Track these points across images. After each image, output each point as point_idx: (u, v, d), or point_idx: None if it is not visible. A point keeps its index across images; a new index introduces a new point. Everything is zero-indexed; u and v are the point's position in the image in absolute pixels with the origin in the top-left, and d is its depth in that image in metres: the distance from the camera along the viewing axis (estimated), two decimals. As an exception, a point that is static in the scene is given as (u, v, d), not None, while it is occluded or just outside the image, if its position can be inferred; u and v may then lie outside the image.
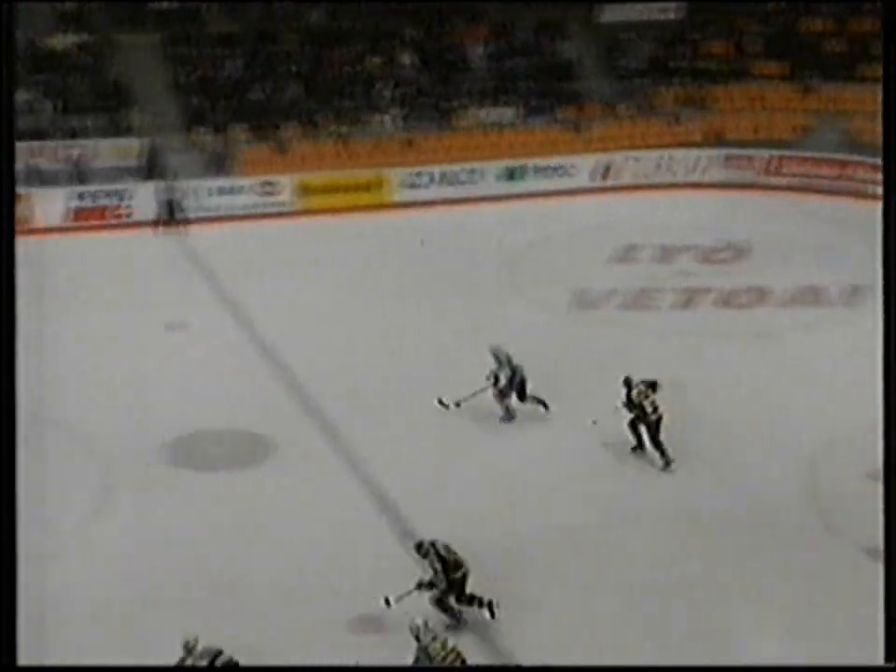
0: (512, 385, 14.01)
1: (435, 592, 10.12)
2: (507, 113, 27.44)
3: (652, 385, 12.97)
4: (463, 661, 8.97)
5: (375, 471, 13.05)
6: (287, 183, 24.43)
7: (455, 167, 25.64)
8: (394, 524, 12.03)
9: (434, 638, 8.99)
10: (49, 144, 23.61)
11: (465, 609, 10.26)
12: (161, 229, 22.50)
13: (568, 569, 11.21)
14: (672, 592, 10.77)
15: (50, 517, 11.98)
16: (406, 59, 28.08)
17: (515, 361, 13.99)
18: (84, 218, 22.71)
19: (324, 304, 18.58)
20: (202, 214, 23.27)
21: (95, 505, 12.47)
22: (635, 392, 12.93)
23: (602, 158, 26.34)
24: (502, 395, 14.08)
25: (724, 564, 11.27)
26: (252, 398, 14.95)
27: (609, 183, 26.26)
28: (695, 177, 26.22)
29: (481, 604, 10.25)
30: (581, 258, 21.14)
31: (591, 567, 11.25)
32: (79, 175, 23.33)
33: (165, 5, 27.42)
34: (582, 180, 26.16)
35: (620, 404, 12.99)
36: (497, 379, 14.02)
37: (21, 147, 23.20)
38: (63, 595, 10.57)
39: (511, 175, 25.91)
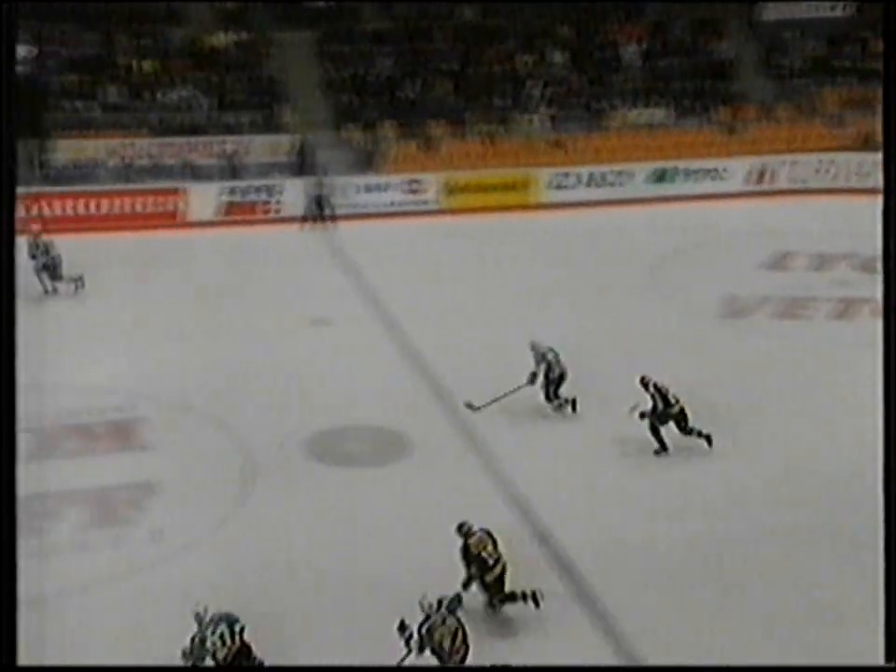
0: (550, 380, 14.14)
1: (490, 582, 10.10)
2: (659, 113, 26.89)
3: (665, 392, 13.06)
4: (466, 642, 9.01)
5: (512, 474, 12.89)
6: (433, 181, 24.45)
7: (604, 168, 25.23)
8: (529, 528, 11.86)
9: (444, 621, 8.98)
10: (205, 140, 24.14)
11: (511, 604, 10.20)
12: (308, 224, 22.79)
13: (706, 580, 10.82)
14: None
15: (196, 505, 12.25)
16: (557, 58, 27.78)
17: (551, 356, 14.12)
18: (235, 213, 23.18)
19: (467, 304, 18.48)
20: (349, 210, 23.49)
21: (236, 495, 12.65)
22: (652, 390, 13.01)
23: (757, 161, 25.55)
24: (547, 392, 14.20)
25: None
26: (391, 395, 14.95)
27: (764, 187, 25.44)
28: (856, 182, 25.17)
29: (525, 599, 10.17)
30: (732, 264, 20.52)
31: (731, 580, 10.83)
32: (232, 170, 23.83)
33: (322, 3, 27.80)
34: (735, 184, 25.42)
35: (635, 409, 13.05)
36: (534, 377, 14.12)
37: (178, 141, 23.90)
38: (195, 584, 10.71)
39: (660, 177, 25.37)
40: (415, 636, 8.98)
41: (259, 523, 12.06)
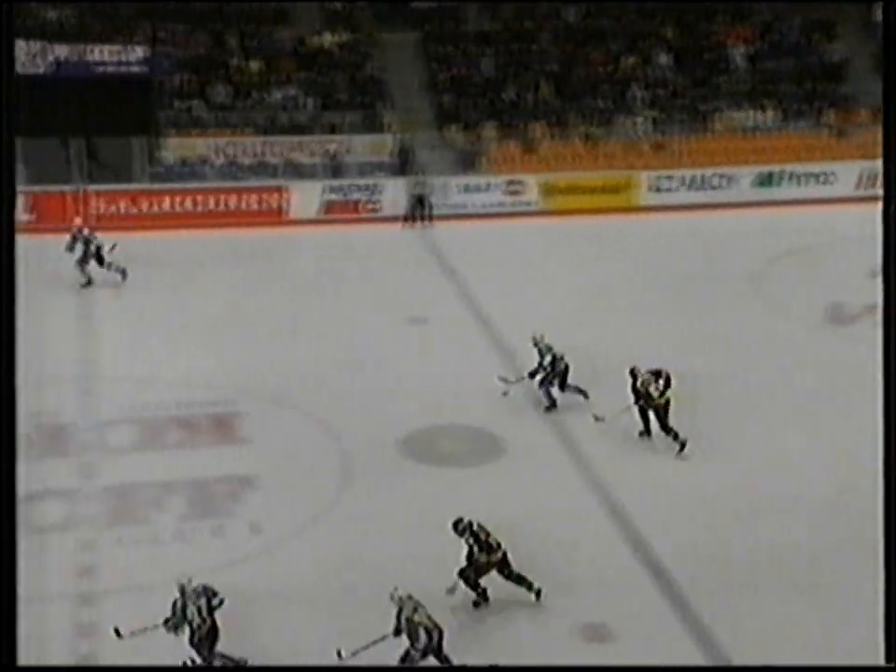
0: (554, 373, 14.48)
1: (467, 569, 10.41)
2: (766, 116, 26.38)
3: (657, 374, 13.41)
4: (440, 632, 9.29)
5: (606, 478, 12.81)
6: (533, 182, 24.37)
7: (707, 171, 24.86)
8: (622, 531, 11.77)
9: (415, 609, 9.32)
10: (308, 139, 24.46)
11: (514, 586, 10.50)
12: (408, 224, 22.92)
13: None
14: None
15: (293, 499, 12.44)
16: (663, 59, 27.47)
17: (556, 350, 14.45)
18: (337, 211, 23.43)
19: (564, 306, 18.38)
20: (449, 211, 23.55)
21: (332, 491, 12.79)
22: (640, 381, 13.42)
23: (868, 165, 24.87)
24: (542, 383, 14.56)
25: None
26: (487, 396, 14.95)
27: (875, 192, 24.78)
28: (972, 189, 24.33)
29: (529, 587, 10.52)
30: (840, 270, 20.02)
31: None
32: (335, 169, 24.09)
33: (426, 4, 27.93)
34: (844, 188, 24.81)
35: (632, 402, 13.53)
36: (538, 369, 14.47)
37: (282, 140, 24.26)
38: (291, 577, 10.86)
39: (766, 180, 24.89)
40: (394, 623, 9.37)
41: (354, 518, 12.19)
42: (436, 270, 20.49)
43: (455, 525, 10.55)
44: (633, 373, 13.61)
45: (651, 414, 13.56)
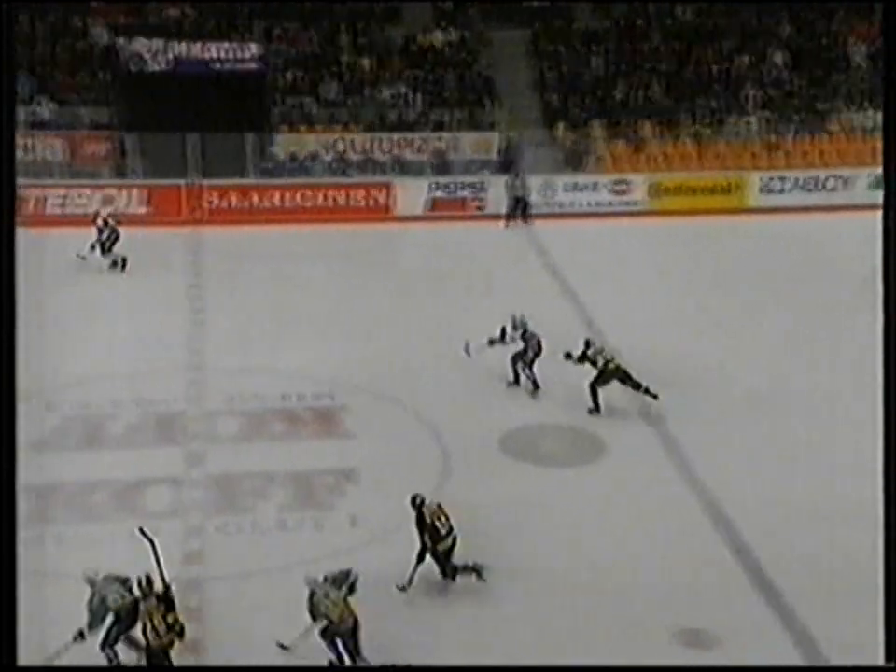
0: (527, 353, 14.98)
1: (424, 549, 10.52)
2: (885, 117, 25.64)
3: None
4: (354, 617, 9.44)
5: (709, 480, 12.65)
6: (641, 182, 24.14)
7: (821, 173, 24.29)
8: (724, 534, 11.63)
9: (326, 595, 9.46)
10: (415, 136, 24.62)
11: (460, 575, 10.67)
12: (511, 221, 22.91)
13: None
14: None
15: (393, 494, 12.55)
16: (778, 58, 26.91)
17: (532, 330, 14.91)
18: (442, 208, 23.53)
19: (668, 306, 18.18)
20: (554, 209, 23.48)
21: (432, 487, 12.87)
22: (591, 351, 14.35)
23: None
24: (514, 360, 15.06)
25: None
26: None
27: None
28: None
29: (471, 571, 10.68)
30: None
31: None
32: (441, 166, 24.20)
33: (537, 2, 27.86)
34: (966, 192, 23.97)
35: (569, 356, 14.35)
36: (503, 335, 14.99)
37: (390, 137, 24.47)
38: (390, 571, 10.96)
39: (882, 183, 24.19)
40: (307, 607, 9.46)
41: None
42: (540, 268, 20.44)
43: (413, 499, 10.72)
44: (587, 344, 14.48)
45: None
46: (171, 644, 9.32)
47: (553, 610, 10.45)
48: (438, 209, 23.54)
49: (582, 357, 14.52)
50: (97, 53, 24.76)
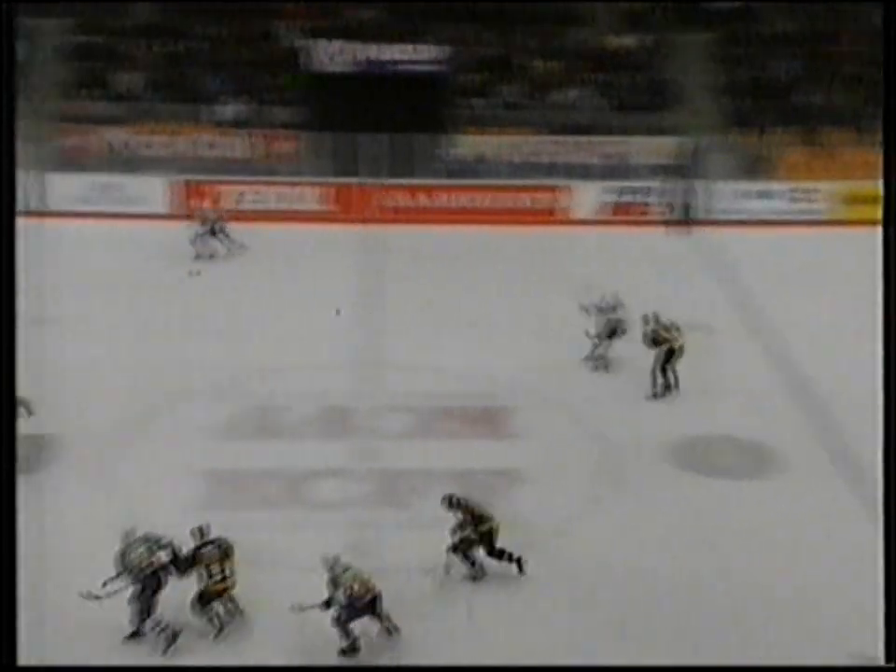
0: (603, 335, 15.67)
1: (460, 541, 10.80)
2: None
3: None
4: (372, 590, 9.71)
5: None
6: (826, 190, 23.36)
7: None
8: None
9: (345, 570, 9.73)
10: (594, 139, 24.51)
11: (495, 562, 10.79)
12: (676, 227, 22.56)
13: None
14: None
15: (556, 498, 12.58)
16: (978, 62, 25.60)
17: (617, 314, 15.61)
18: (616, 213, 23.36)
19: (848, 319, 17.54)
20: (733, 216, 22.99)
21: (595, 493, 12.84)
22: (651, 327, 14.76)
23: None
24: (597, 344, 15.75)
25: None
26: (761, 407, 14.57)
27: None
28: None
29: (510, 559, 10.84)
30: None
31: None
32: (617, 170, 24.01)
33: (724, 4, 27.30)
34: None
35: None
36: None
37: (567, 140, 24.44)
38: (550, 574, 10.97)
39: None
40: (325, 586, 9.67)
41: (615, 522, 12.17)
42: (713, 276, 20.04)
43: (448, 501, 10.99)
44: (646, 320, 14.84)
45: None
46: (224, 591, 10.04)
47: (712, 623, 10.25)
48: (611, 213, 23.38)
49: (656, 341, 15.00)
50: (285, 54, 25.60)
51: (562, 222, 23.17)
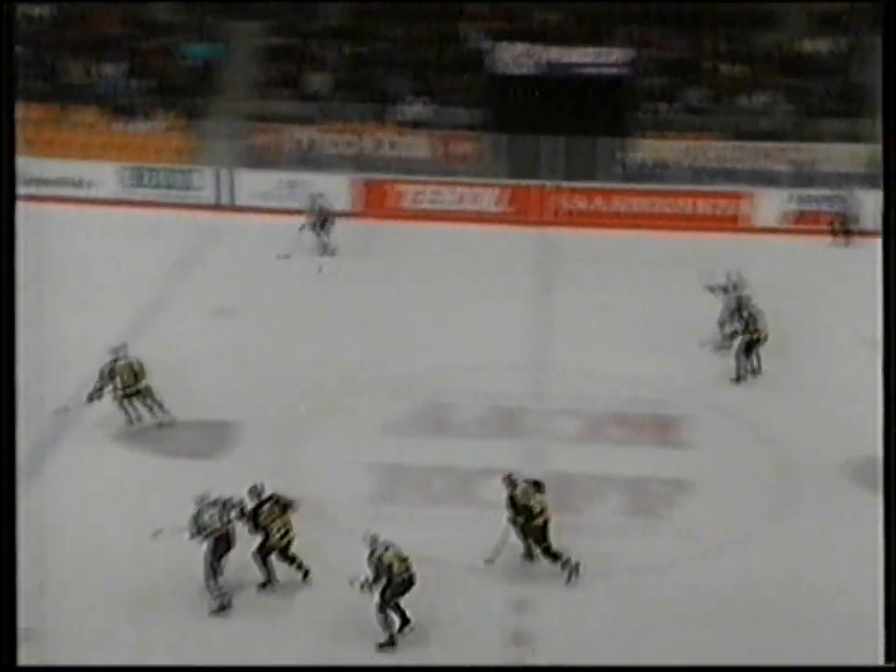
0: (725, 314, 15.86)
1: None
2: None
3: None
4: (410, 569, 9.90)
5: None
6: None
7: None
8: None
9: (387, 548, 9.90)
10: (780, 146, 23.85)
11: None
12: (840, 238, 21.74)
13: None
14: None
15: (727, 511, 12.30)
16: None
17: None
18: (800, 222, 22.65)
19: None
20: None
21: (768, 508, 12.52)
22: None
23: None
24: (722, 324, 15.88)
25: None
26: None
27: None
28: None
29: (564, 564, 10.78)
30: None
31: None
32: (804, 178, 23.30)
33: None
34: None
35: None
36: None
37: (752, 146, 23.81)
38: (712, 589, 10.74)
39: None
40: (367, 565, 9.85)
41: (788, 539, 11.84)
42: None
43: (507, 478, 11.00)
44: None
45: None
46: (287, 546, 10.65)
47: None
48: (796, 222, 22.69)
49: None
50: (470, 56, 25.80)
51: (743, 229, 22.62)
